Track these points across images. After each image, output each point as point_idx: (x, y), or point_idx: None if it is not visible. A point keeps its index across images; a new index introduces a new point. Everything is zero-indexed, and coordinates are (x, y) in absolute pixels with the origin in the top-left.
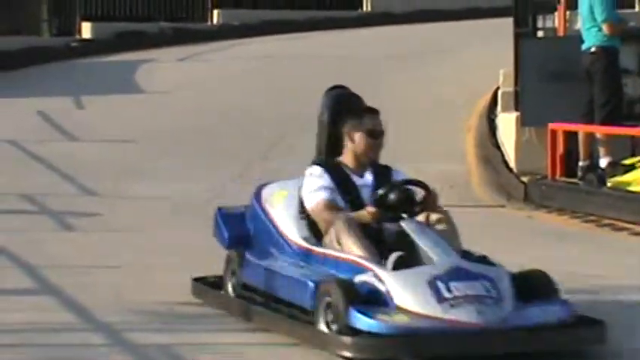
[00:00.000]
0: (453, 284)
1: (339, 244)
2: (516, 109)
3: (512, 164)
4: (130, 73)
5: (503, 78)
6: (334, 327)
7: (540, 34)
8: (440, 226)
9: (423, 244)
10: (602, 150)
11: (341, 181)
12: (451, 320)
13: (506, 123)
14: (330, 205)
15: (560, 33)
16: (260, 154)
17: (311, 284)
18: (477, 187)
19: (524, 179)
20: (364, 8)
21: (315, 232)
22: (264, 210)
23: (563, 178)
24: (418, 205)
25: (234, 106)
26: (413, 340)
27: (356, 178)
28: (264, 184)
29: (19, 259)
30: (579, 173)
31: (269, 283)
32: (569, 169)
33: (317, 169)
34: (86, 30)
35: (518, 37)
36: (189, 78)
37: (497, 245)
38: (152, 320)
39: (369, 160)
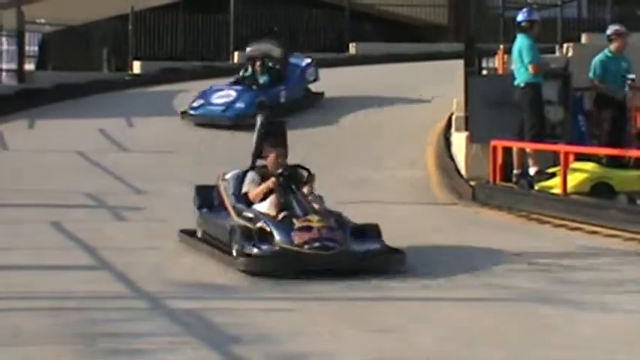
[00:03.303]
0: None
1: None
2: (466, 130)
3: (463, 172)
4: (170, 100)
5: (456, 105)
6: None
7: (484, 72)
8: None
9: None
10: (531, 161)
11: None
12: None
13: (459, 140)
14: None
15: (500, 71)
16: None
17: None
18: (436, 189)
19: (472, 183)
20: (350, 51)
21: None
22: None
23: (502, 183)
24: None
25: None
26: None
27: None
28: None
29: (83, 242)
30: (514, 179)
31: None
32: (507, 176)
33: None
34: (137, 67)
35: (467, 75)
36: None
37: (451, 233)
38: (182, 290)
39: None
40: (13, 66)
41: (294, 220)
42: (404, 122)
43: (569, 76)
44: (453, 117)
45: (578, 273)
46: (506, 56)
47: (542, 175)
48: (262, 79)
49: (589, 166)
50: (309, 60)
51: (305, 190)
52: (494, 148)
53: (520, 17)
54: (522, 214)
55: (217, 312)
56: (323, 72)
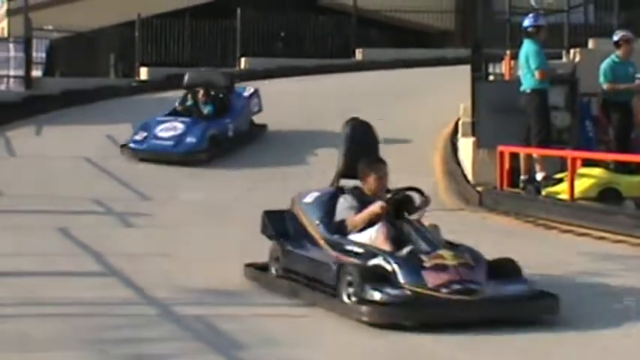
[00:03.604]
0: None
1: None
2: (473, 135)
3: (469, 177)
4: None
5: (463, 111)
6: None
7: (491, 77)
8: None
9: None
10: (538, 167)
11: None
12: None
13: (465, 146)
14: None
15: (507, 77)
16: (276, 169)
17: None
18: (443, 195)
19: (479, 189)
20: (357, 57)
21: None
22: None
23: (509, 189)
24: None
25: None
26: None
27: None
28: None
29: (90, 249)
30: (521, 185)
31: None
32: (513, 182)
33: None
34: (143, 73)
35: (474, 80)
36: None
37: (458, 239)
38: (191, 297)
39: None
40: (21, 72)
41: (422, 257)
42: (411, 127)
43: (576, 82)
44: (460, 122)
45: (585, 278)
46: (512, 62)
47: (549, 180)
48: (206, 110)
49: (596, 171)
50: (252, 89)
51: (415, 216)
52: (501, 154)
53: (526, 22)
54: (529, 220)
55: (226, 318)
56: (333, 77)
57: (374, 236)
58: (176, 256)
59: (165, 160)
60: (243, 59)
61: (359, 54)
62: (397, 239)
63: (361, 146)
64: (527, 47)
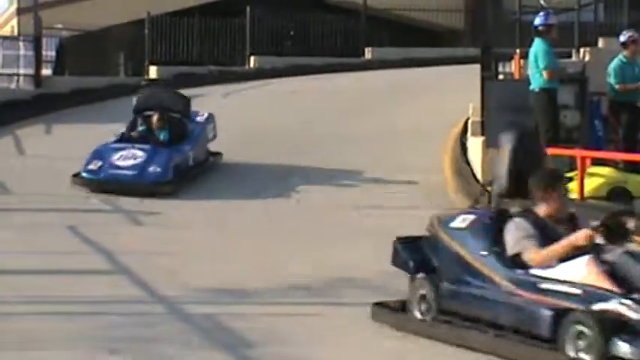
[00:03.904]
0: None
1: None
2: (482, 134)
3: (479, 176)
4: None
5: (472, 110)
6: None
7: (501, 77)
8: None
9: None
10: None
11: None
12: None
13: (475, 145)
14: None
15: (516, 76)
16: (285, 168)
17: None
18: (452, 194)
19: (488, 188)
20: (366, 56)
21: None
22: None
23: None
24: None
25: (267, 131)
26: None
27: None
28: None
29: (99, 247)
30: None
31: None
32: None
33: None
34: (153, 71)
35: (484, 79)
36: (231, 109)
37: None
38: (199, 295)
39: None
40: (31, 71)
41: None
42: (421, 127)
43: (585, 81)
44: (469, 122)
45: None
46: (522, 61)
47: None
48: (161, 136)
49: (606, 170)
50: (206, 114)
51: (634, 246)
52: None
53: (537, 21)
54: None
55: (235, 317)
56: (342, 76)
57: (583, 273)
58: (185, 255)
59: (127, 192)
60: (252, 58)
61: (368, 53)
62: (622, 276)
63: (527, 160)
64: (537, 46)
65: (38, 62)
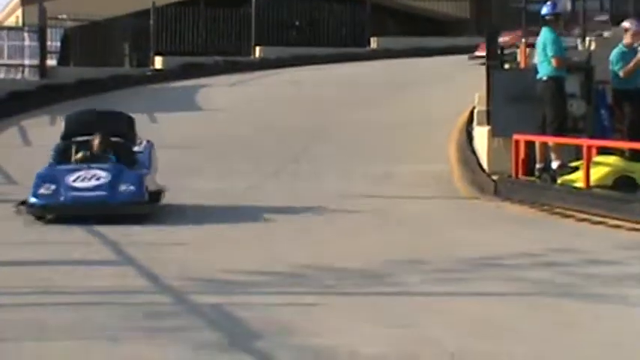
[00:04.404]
0: None
1: None
2: (488, 124)
3: (485, 166)
4: (192, 96)
5: (478, 100)
6: None
7: (506, 66)
8: None
9: None
10: (553, 155)
11: None
12: None
13: (480, 134)
14: None
15: (522, 65)
16: (291, 157)
17: None
18: (458, 183)
19: (494, 177)
20: (371, 46)
21: None
22: None
23: (524, 177)
24: None
25: (272, 120)
26: None
27: None
28: None
29: (106, 238)
30: (536, 173)
31: None
32: (529, 170)
33: None
34: (158, 62)
35: (489, 69)
36: (237, 98)
37: (473, 227)
38: (207, 285)
39: None
40: (35, 61)
41: None
42: (426, 116)
43: (591, 70)
44: (475, 111)
45: (601, 267)
46: (529, 50)
47: (564, 168)
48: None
49: (612, 159)
50: (145, 141)
51: None
52: (517, 142)
53: (545, 10)
54: (545, 208)
55: (241, 307)
56: (347, 66)
57: None
58: (191, 245)
59: (94, 216)
60: (257, 48)
61: (374, 42)
62: None
63: None
64: (545, 35)
65: (43, 53)
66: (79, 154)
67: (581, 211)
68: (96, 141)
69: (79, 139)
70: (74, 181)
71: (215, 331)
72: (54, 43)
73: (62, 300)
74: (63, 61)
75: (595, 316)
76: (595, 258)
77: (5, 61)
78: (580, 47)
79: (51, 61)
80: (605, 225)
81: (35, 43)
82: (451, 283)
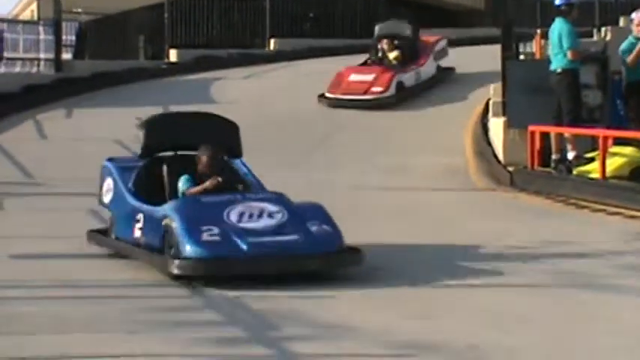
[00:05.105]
0: None
1: None
2: (503, 115)
3: (500, 157)
4: (206, 88)
5: (493, 91)
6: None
7: (522, 57)
8: None
9: None
10: (569, 146)
11: None
12: None
13: (496, 125)
14: None
15: (537, 56)
16: (305, 148)
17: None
18: (474, 175)
19: (510, 169)
20: None
21: None
22: None
23: (540, 168)
24: None
25: (287, 111)
26: None
27: None
28: None
29: None
30: (552, 164)
31: None
32: (545, 161)
33: None
34: (173, 55)
35: (505, 60)
36: (252, 91)
37: (490, 219)
38: (224, 279)
39: None
40: (51, 55)
41: None
42: (441, 107)
43: (607, 60)
44: (490, 102)
45: (618, 257)
46: (544, 41)
47: (580, 159)
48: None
49: (628, 150)
50: None
51: None
52: (532, 133)
53: (559, 1)
54: (561, 199)
55: (258, 299)
56: (362, 57)
57: None
58: None
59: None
60: (272, 40)
61: None
62: None
63: None
64: (560, 26)
65: (58, 46)
66: (209, 181)
67: (597, 202)
68: (204, 157)
69: (169, 153)
70: (239, 220)
71: (234, 324)
72: (69, 36)
73: (79, 293)
74: (78, 54)
75: (615, 307)
76: (612, 249)
77: (21, 54)
78: (595, 37)
79: (66, 55)
80: (621, 216)
81: (50, 37)
82: (471, 275)
